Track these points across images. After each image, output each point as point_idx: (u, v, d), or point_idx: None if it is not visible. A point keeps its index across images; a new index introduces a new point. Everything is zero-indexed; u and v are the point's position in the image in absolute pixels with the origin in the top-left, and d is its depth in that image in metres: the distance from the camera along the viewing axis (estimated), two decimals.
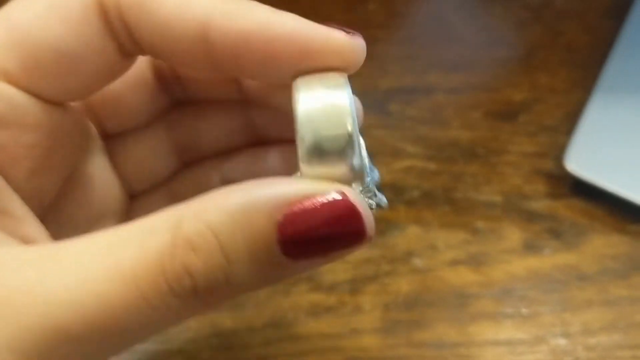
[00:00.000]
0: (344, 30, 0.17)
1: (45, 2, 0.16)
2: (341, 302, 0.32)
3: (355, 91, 0.17)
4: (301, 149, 0.14)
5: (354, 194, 0.14)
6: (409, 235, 0.35)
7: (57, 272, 0.13)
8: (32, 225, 0.17)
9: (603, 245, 0.35)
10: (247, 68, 0.17)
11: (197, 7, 0.16)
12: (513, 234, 0.35)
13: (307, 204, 0.13)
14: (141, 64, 0.21)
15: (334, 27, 0.17)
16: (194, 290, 0.13)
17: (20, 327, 0.12)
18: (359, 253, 0.34)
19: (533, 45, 0.44)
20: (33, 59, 0.16)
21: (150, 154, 0.23)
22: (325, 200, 0.13)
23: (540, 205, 0.36)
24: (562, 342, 0.31)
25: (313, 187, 0.13)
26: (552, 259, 0.34)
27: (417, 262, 0.34)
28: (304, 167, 0.14)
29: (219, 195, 0.14)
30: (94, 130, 0.22)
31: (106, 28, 0.17)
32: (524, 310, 0.32)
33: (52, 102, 0.18)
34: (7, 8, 0.17)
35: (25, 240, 0.16)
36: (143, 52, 0.18)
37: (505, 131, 0.40)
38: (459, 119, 0.40)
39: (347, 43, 0.16)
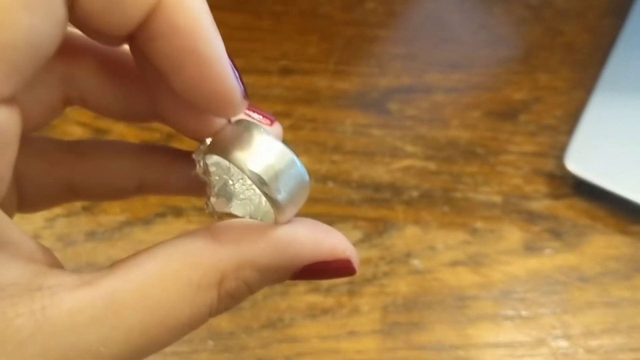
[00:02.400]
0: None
1: None
2: (339, 303, 0.32)
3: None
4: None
5: (354, 253, 0.18)
6: (408, 236, 0.34)
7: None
8: (29, 246, 0.16)
9: (605, 246, 0.34)
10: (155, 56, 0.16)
11: None
12: (513, 235, 0.35)
13: (319, 264, 0.18)
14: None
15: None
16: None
17: None
18: (357, 254, 0.34)
19: (533, 44, 0.44)
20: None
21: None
22: (332, 265, 0.18)
23: (541, 205, 0.36)
24: (563, 344, 0.31)
25: (324, 254, 0.18)
26: (553, 260, 0.34)
27: (416, 263, 0.33)
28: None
29: (253, 248, 0.17)
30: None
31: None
32: (524, 312, 0.32)
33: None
34: None
35: (28, 260, 0.16)
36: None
37: (505, 131, 0.39)
38: (458, 118, 0.40)
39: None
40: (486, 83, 0.42)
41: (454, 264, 0.34)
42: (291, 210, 0.17)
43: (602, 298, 0.33)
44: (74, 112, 0.37)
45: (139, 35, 0.16)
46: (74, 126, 0.37)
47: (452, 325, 0.31)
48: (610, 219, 0.35)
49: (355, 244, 0.34)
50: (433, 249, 0.34)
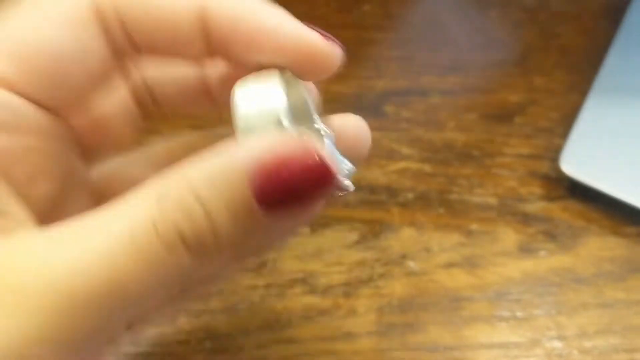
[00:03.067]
0: (325, 36, 0.18)
1: (40, 8, 0.16)
2: (335, 305, 0.32)
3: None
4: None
5: (324, 150, 0.15)
6: (404, 238, 0.34)
7: (59, 252, 0.14)
8: (30, 228, 0.16)
9: (599, 247, 0.35)
10: (234, 52, 0.18)
11: None
12: (508, 237, 0.35)
13: (280, 160, 0.14)
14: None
15: (316, 31, 0.18)
16: (186, 246, 0.14)
17: (27, 296, 0.14)
18: (353, 255, 0.34)
19: (528, 47, 0.44)
20: (30, 65, 0.16)
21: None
22: (296, 158, 0.14)
23: (536, 207, 0.36)
24: (557, 345, 0.31)
25: (285, 147, 0.14)
26: (548, 262, 0.34)
27: (412, 264, 0.34)
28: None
29: (199, 159, 0.15)
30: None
31: (101, 30, 0.17)
32: (518, 313, 0.32)
33: (48, 108, 0.18)
34: (2, 14, 0.17)
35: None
36: (138, 50, 0.18)
37: (500, 133, 0.39)
38: (454, 120, 0.40)
39: (324, 49, 0.18)
40: (482, 85, 0.42)
41: (449, 265, 0.34)
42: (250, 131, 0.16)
43: (596, 299, 0.33)
44: None
45: (215, 50, 0.18)
46: None
47: (447, 326, 0.32)
48: (605, 221, 0.36)
49: (351, 246, 0.34)
50: (428, 251, 0.34)
